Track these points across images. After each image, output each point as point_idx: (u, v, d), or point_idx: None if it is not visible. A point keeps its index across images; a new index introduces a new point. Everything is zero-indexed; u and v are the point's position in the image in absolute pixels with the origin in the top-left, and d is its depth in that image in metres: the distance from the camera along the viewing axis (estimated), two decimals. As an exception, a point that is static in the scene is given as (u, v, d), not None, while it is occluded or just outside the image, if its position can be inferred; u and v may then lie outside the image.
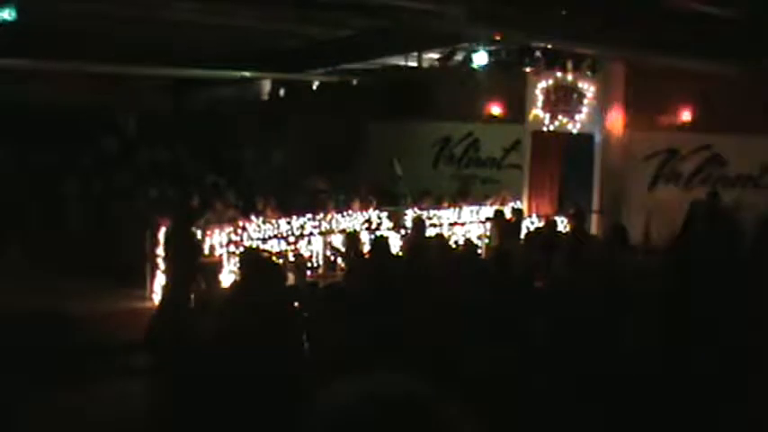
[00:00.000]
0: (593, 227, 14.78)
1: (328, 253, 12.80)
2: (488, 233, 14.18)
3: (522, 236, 12.68)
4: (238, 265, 9.69)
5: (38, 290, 10.70)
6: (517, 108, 16.31)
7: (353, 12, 10.56)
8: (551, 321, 6.56)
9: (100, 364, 8.84)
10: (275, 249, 12.11)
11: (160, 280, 11.03)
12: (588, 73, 14.86)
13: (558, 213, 14.85)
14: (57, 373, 8.27)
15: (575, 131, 15.49)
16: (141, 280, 11.68)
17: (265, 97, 20.04)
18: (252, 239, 12.03)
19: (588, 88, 15.20)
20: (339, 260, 12.23)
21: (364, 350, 6.54)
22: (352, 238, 11.07)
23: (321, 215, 13.13)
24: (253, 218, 12.52)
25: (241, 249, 11.19)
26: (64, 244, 12.75)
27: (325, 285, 8.82)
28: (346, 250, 10.86)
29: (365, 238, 12.82)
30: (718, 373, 5.45)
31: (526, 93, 15.87)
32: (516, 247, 11.29)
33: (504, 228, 13.03)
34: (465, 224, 14.50)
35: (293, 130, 19.11)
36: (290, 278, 10.08)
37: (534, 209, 15.72)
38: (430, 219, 13.64)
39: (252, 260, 8.36)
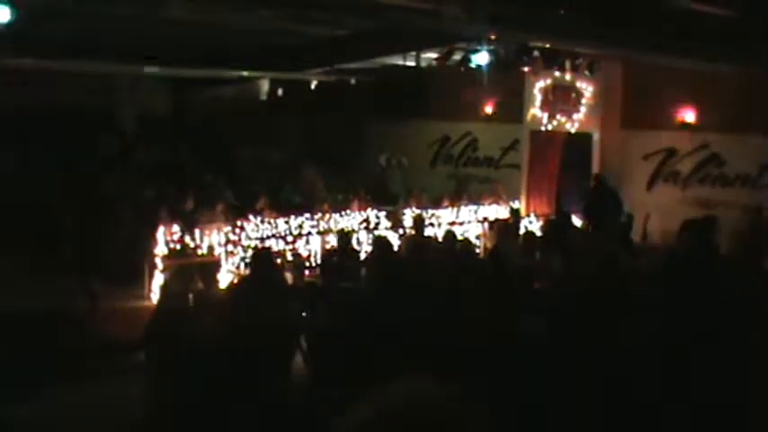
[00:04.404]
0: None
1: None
2: (487, 233, 14.21)
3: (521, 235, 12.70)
4: (250, 261, 9.76)
5: (37, 289, 10.69)
6: (515, 107, 16.32)
7: (352, 11, 10.54)
8: (550, 321, 6.56)
9: (100, 363, 8.84)
10: (273, 249, 12.11)
11: (159, 280, 11.04)
12: (586, 72, 14.87)
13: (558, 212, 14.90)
14: (56, 373, 8.27)
15: (573, 131, 15.51)
16: (140, 280, 11.68)
17: (264, 97, 20.03)
18: (250, 239, 12.04)
19: (586, 88, 15.21)
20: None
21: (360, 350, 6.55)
22: (344, 237, 11.18)
23: (319, 214, 13.14)
24: (251, 217, 12.52)
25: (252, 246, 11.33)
26: (63, 244, 12.74)
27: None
28: (338, 249, 10.91)
29: (363, 237, 12.86)
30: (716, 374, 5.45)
31: (524, 92, 15.89)
32: (515, 246, 11.29)
33: (502, 227, 13.04)
34: (463, 224, 14.50)
35: (291, 130, 19.12)
36: (289, 278, 10.11)
37: (532, 208, 15.73)
38: (428, 218, 13.65)
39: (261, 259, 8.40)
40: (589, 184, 15.16)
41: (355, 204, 14.27)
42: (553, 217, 14.12)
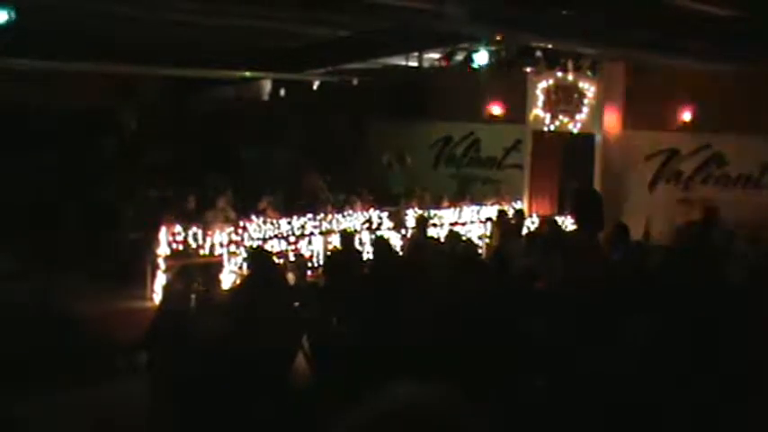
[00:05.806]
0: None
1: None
2: (489, 233, 14.20)
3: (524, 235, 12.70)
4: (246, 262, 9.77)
5: (38, 290, 10.69)
6: (518, 108, 16.32)
7: (354, 12, 10.55)
8: (552, 322, 6.55)
9: (100, 364, 8.84)
10: (276, 249, 12.11)
11: (160, 280, 11.05)
12: (589, 73, 14.86)
13: (559, 213, 14.92)
14: (57, 373, 8.28)
15: (575, 131, 15.50)
16: (141, 280, 11.68)
17: (266, 97, 20.05)
18: (252, 239, 12.05)
19: (589, 88, 15.20)
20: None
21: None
22: (347, 236, 11.19)
23: (321, 215, 13.15)
24: (253, 218, 12.53)
25: (249, 246, 11.31)
26: (64, 244, 12.75)
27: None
28: (341, 249, 10.93)
29: (366, 238, 12.86)
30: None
31: (527, 92, 15.88)
32: (518, 247, 11.30)
33: (505, 228, 13.04)
34: (466, 224, 14.49)
35: (294, 130, 19.11)
36: (291, 278, 10.11)
37: (535, 209, 15.73)
38: (431, 219, 13.64)
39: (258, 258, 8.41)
40: (591, 183, 15.18)
41: (357, 204, 14.26)
42: (553, 217, 14.12)
